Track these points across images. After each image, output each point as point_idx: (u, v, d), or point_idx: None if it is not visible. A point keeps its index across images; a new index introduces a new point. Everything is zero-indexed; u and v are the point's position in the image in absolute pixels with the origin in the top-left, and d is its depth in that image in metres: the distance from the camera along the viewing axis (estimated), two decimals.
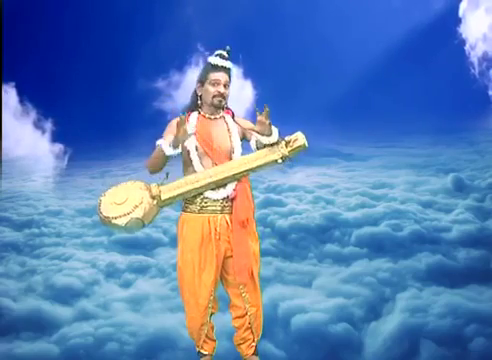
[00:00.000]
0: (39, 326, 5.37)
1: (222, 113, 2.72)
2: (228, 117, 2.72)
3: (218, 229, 2.62)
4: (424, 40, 14.70)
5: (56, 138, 13.30)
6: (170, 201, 2.61)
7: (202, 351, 2.79)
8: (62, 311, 5.73)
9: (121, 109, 14.56)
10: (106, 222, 2.54)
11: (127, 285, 6.44)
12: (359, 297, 5.78)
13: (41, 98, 13.63)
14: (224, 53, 2.66)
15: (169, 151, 2.53)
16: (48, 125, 13.55)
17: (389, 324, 5.25)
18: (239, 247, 2.61)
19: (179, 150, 2.56)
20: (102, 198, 2.59)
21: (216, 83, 2.61)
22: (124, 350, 4.99)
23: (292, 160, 2.64)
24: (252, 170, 2.62)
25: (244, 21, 14.98)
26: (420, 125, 13.81)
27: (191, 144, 2.61)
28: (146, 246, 7.57)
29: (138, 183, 2.62)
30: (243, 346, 2.78)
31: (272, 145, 2.60)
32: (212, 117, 2.69)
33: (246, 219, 2.61)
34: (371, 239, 7.45)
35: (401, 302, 5.59)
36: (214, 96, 2.62)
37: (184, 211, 2.68)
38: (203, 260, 2.62)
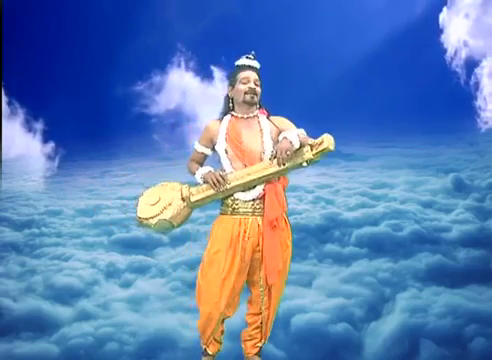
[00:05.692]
0: (39, 326, 5.38)
1: (256, 112, 2.71)
2: (262, 117, 2.70)
3: (248, 231, 2.62)
4: (410, 43, 14.78)
5: (47, 138, 13.31)
6: (199, 203, 2.62)
7: (208, 350, 2.79)
8: (62, 311, 5.73)
9: (111, 108, 14.59)
10: (138, 222, 2.62)
11: (127, 285, 6.44)
12: (359, 297, 5.78)
13: (29, 99, 13.65)
14: (250, 55, 2.72)
15: (198, 180, 2.65)
16: (38, 125, 13.55)
17: (389, 324, 5.26)
18: (270, 249, 2.60)
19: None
20: (140, 198, 2.65)
21: (246, 80, 2.65)
22: (124, 350, 4.99)
23: (318, 162, 2.63)
24: (278, 173, 2.59)
25: (227, 21, 14.94)
26: (419, 125, 13.83)
27: (220, 147, 2.63)
28: (146, 246, 7.58)
29: (173, 183, 2.66)
30: (248, 343, 2.79)
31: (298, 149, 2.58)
32: (245, 116, 2.68)
33: (275, 219, 2.59)
34: (371, 239, 7.45)
35: (401, 302, 5.60)
36: (245, 92, 2.64)
37: (220, 213, 2.70)
38: (229, 262, 2.61)
